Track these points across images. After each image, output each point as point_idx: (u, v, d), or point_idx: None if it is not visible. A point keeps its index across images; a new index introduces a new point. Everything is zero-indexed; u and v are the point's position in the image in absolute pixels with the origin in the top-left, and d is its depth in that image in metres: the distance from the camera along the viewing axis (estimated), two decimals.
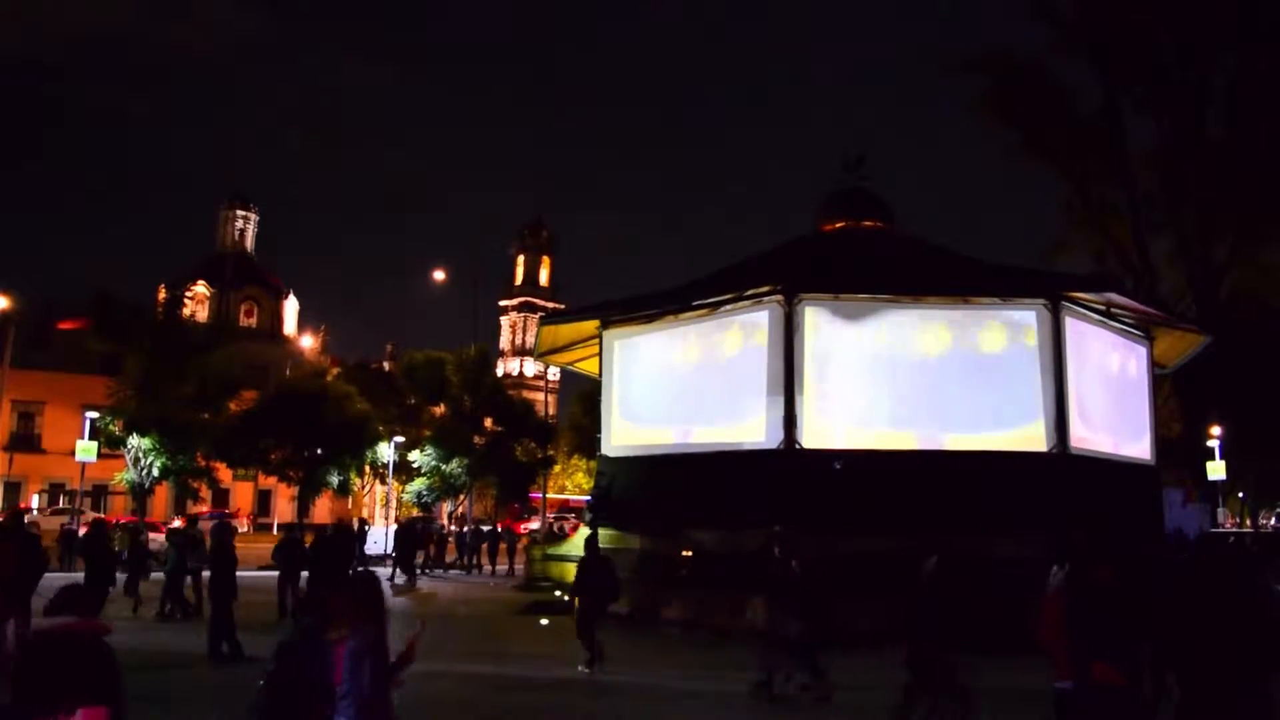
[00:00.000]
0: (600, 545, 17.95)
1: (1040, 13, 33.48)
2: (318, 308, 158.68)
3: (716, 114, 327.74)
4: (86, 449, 30.58)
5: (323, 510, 54.03)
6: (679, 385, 18.99)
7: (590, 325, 20.76)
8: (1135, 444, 19.66)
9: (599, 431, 20.78)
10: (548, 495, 48.61)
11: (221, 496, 53.19)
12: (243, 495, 62.45)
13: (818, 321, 16.88)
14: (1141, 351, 20.24)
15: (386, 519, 49.78)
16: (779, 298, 16.62)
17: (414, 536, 25.51)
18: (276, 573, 16.96)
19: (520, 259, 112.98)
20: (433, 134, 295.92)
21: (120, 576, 16.53)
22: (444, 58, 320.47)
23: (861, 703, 10.14)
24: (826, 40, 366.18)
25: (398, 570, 24.36)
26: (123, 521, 30.06)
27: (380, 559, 32.78)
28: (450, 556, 31.71)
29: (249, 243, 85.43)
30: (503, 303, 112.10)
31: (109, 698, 4.22)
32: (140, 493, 31.27)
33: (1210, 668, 5.26)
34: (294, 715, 4.46)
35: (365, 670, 4.48)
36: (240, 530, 38.92)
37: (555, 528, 37.72)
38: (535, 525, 41.49)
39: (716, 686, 11.05)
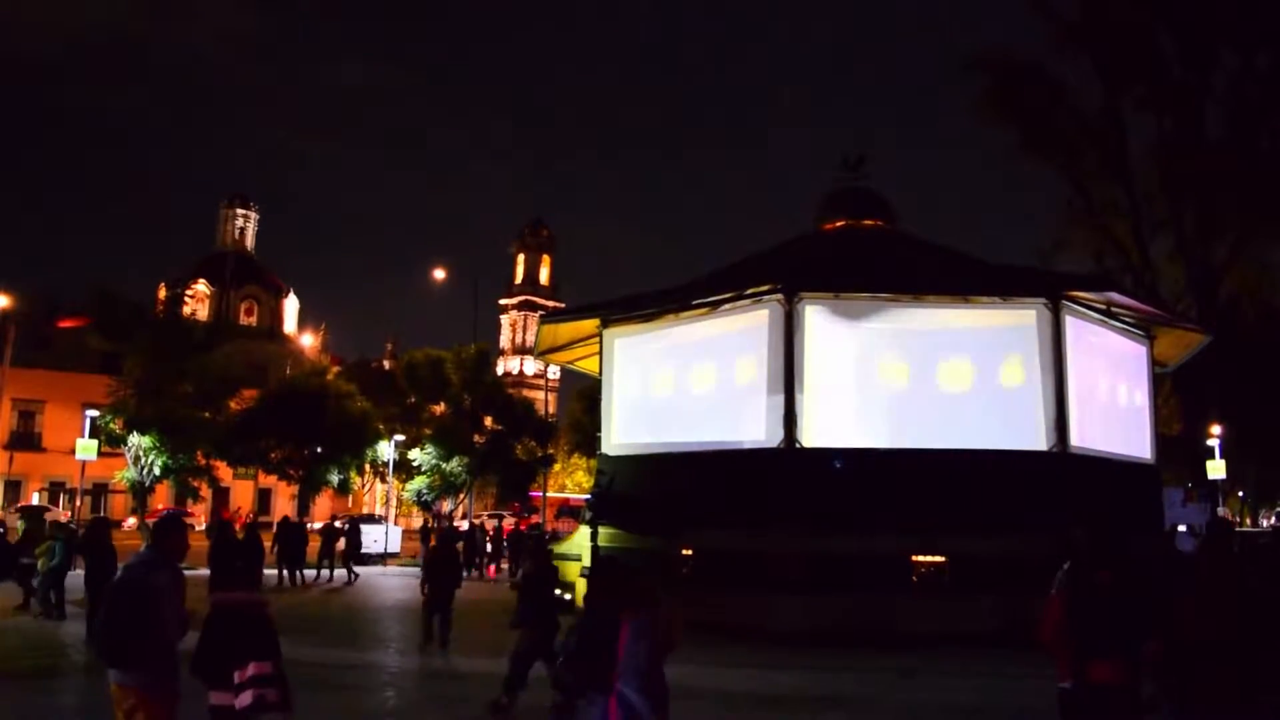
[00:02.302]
0: (601, 544, 18.10)
1: (1040, 12, 33.49)
2: (318, 306, 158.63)
3: (716, 113, 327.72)
4: (87, 447, 30.56)
5: (323, 508, 54.09)
6: (679, 384, 18.99)
7: (590, 324, 20.74)
8: (1135, 443, 19.66)
9: (599, 430, 20.76)
10: (548, 494, 48.62)
11: (222, 495, 53.18)
12: (243, 494, 62.51)
13: (818, 320, 16.87)
14: (1142, 350, 20.23)
15: (388, 518, 49.83)
16: (779, 296, 16.61)
17: (349, 535, 26.67)
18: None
19: (520, 258, 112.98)
20: (433, 134, 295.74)
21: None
22: (444, 57, 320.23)
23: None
24: (827, 40, 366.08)
25: (321, 570, 25.22)
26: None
27: (380, 558, 32.84)
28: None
29: (249, 242, 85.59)
30: (503, 301, 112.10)
31: (274, 654, 5.42)
32: (141, 491, 31.26)
33: (1211, 666, 5.27)
34: (601, 686, 5.41)
35: (644, 647, 5.37)
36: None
37: (492, 527, 36.49)
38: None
39: (715, 685, 11.04)
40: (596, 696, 5.45)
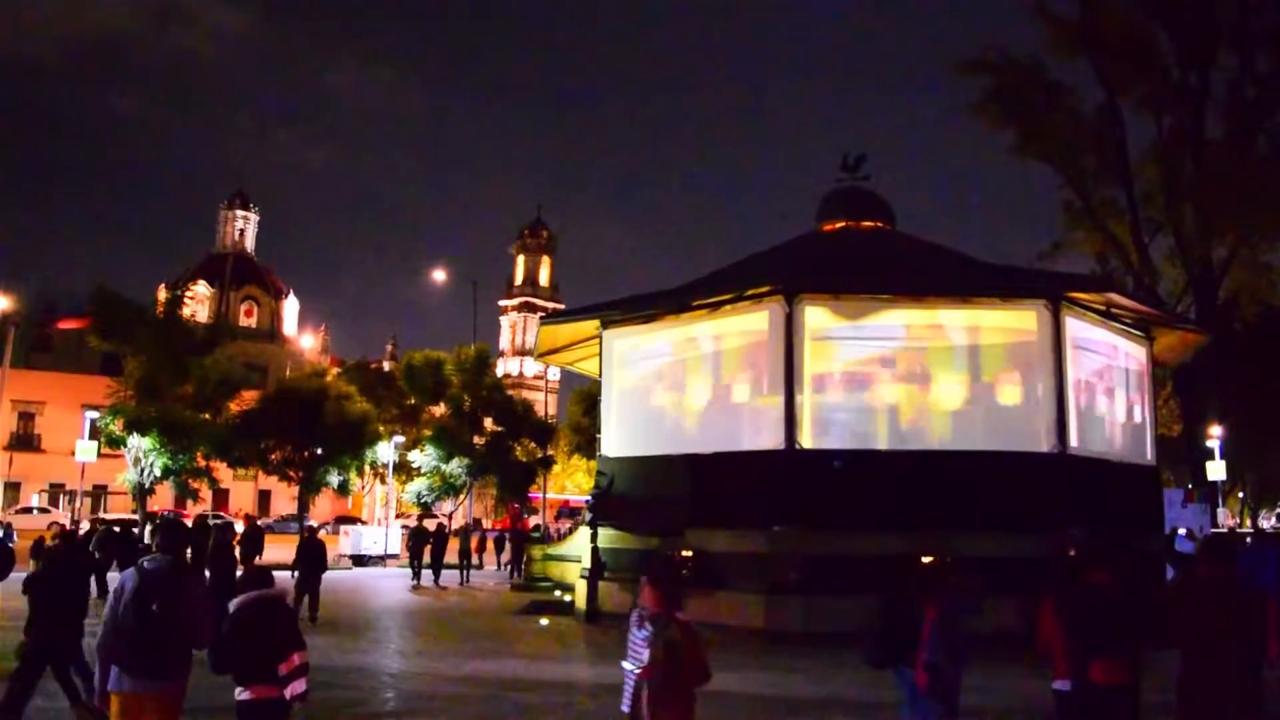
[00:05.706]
0: (600, 545, 18.12)
1: (1041, 13, 33.50)
2: (317, 307, 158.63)
3: (716, 113, 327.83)
4: (86, 449, 30.55)
5: (323, 509, 54.08)
6: (679, 385, 18.98)
7: (590, 325, 20.72)
8: (1135, 445, 19.65)
9: (599, 431, 20.75)
10: (548, 495, 48.69)
11: (221, 496, 53.21)
12: (242, 495, 62.48)
13: (818, 321, 16.88)
14: (1141, 351, 20.23)
15: (386, 519, 49.88)
16: (779, 298, 16.59)
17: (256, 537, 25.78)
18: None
19: (520, 259, 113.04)
20: (433, 134, 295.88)
21: None
22: (443, 57, 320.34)
23: None
24: (827, 40, 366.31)
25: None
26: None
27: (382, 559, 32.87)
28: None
29: (249, 243, 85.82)
30: (503, 302, 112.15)
31: (303, 643, 5.69)
32: (141, 493, 31.27)
33: (1209, 665, 5.27)
34: (908, 660, 6.35)
35: (942, 630, 6.27)
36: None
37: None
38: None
39: (714, 686, 10.99)
40: (905, 668, 6.40)
